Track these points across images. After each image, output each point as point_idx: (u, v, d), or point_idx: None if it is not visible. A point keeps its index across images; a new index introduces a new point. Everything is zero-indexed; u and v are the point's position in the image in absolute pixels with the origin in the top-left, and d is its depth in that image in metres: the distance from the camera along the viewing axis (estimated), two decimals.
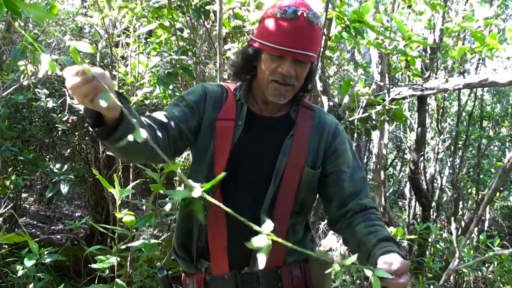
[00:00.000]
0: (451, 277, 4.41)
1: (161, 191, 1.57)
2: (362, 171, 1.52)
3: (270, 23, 1.33)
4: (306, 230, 1.53)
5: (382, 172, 4.53)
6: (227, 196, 1.36)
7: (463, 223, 5.50)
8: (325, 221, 6.28)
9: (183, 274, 1.53)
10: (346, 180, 1.45)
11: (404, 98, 3.86)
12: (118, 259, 2.15)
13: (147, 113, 1.19)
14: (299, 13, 1.29)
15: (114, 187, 2.14)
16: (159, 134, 1.27)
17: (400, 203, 9.23)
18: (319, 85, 3.01)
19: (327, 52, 4.09)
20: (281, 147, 1.42)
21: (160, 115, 1.33)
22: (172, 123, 1.33)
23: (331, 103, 2.96)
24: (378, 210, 1.49)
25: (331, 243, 5.94)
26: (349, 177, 1.46)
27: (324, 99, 3.05)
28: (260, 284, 1.40)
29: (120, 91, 3.39)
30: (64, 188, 3.48)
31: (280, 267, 1.42)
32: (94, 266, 2.10)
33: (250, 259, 1.38)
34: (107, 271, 2.54)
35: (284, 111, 1.48)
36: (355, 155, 1.54)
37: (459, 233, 4.99)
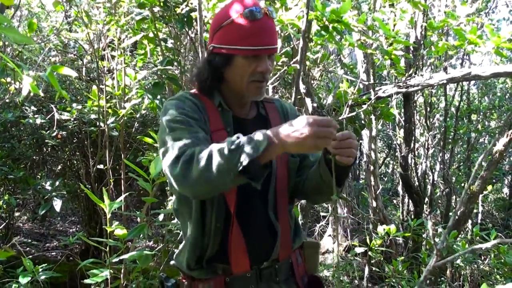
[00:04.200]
0: (448, 271, 4.43)
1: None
2: None
3: (238, 28, 1.37)
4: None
5: (373, 171, 4.56)
6: (241, 199, 1.41)
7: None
8: (321, 223, 6.29)
9: (186, 281, 1.49)
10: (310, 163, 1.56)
11: (389, 96, 3.89)
12: (112, 272, 2.15)
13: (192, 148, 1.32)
14: (263, 12, 1.37)
15: (104, 201, 2.14)
16: None
17: (394, 201, 9.26)
18: (302, 87, 3.03)
19: (312, 55, 4.14)
20: None
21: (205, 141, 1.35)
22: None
23: (315, 105, 2.99)
24: None
25: (327, 245, 5.96)
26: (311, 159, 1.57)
27: (308, 101, 3.07)
28: (277, 275, 1.47)
29: (108, 104, 3.41)
30: (57, 204, 3.47)
31: (289, 258, 1.51)
32: (86, 281, 2.09)
33: (271, 252, 1.45)
34: (103, 285, 2.53)
35: (254, 110, 1.55)
36: None
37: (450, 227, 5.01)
